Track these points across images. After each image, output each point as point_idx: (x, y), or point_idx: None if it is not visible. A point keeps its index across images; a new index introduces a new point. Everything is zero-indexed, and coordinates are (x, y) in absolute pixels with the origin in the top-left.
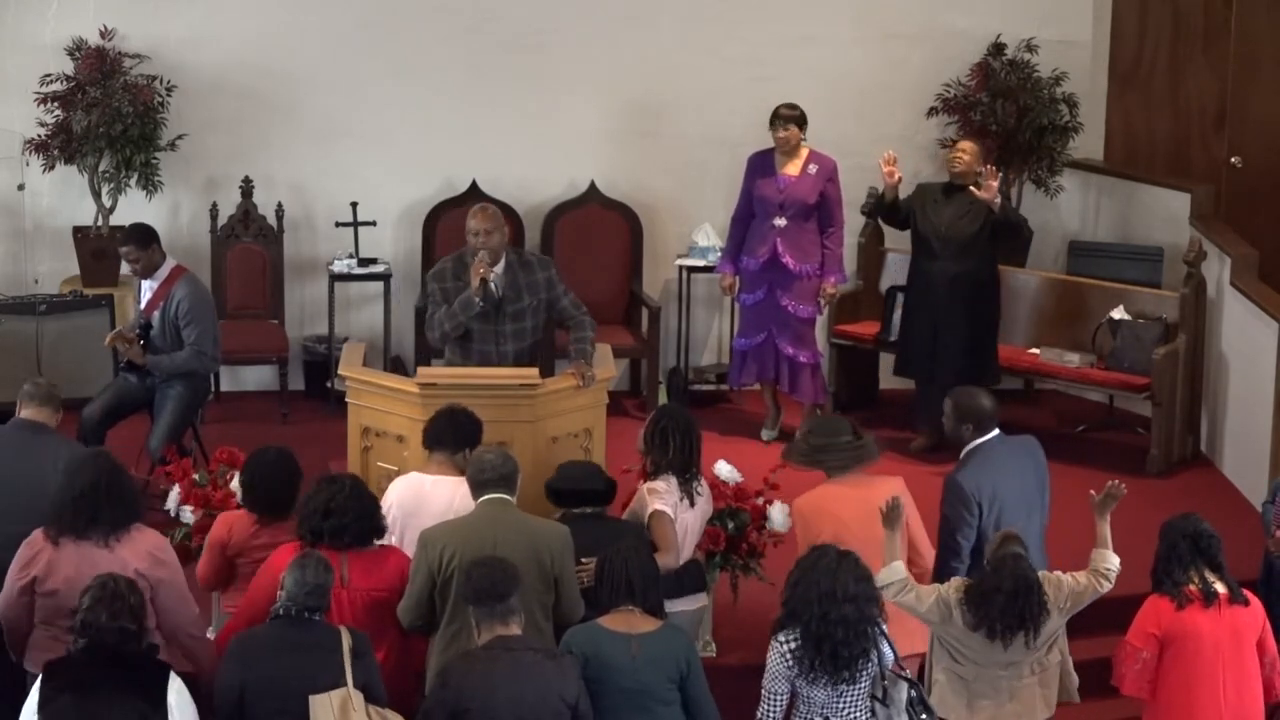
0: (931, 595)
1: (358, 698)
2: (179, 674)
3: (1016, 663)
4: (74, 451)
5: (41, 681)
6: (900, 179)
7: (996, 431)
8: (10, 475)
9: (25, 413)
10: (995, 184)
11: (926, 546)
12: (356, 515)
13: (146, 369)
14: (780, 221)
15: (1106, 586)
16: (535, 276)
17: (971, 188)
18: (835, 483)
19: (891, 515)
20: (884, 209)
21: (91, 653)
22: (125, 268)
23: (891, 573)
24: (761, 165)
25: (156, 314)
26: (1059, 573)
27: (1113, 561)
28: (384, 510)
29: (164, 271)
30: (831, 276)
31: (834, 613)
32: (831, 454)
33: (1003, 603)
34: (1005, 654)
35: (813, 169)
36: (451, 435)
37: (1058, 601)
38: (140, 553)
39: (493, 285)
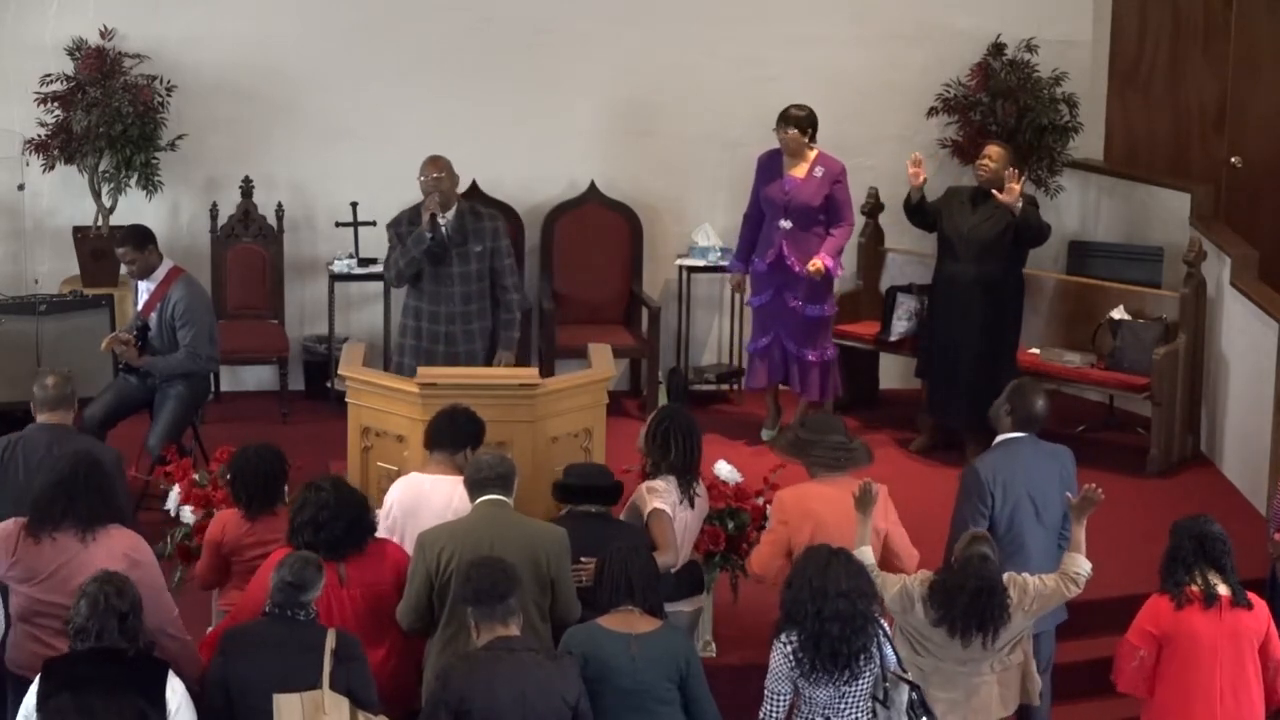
0: (896, 585)
1: (336, 701)
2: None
3: (976, 660)
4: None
5: (40, 679)
6: (925, 180)
7: (1031, 434)
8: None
9: (41, 417)
10: (1017, 188)
11: (907, 551)
12: (347, 525)
13: (143, 370)
14: (785, 224)
15: (1075, 590)
16: (483, 224)
17: (994, 191)
18: (821, 482)
19: (864, 499)
20: (910, 210)
21: (89, 651)
22: (124, 268)
23: (859, 556)
24: (769, 166)
25: (154, 315)
26: (1025, 575)
27: (1083, 566)
28: (385, 510)
29: (161, 273)
30: (825, 257)
31: (827, 609)
32: (815, 450)
33: (965, 602)
34: (964, 651)
35: (819, 172)
36: (450, 435)
37: (1022, 604)
38: (116, 553)
39: (442, 226)
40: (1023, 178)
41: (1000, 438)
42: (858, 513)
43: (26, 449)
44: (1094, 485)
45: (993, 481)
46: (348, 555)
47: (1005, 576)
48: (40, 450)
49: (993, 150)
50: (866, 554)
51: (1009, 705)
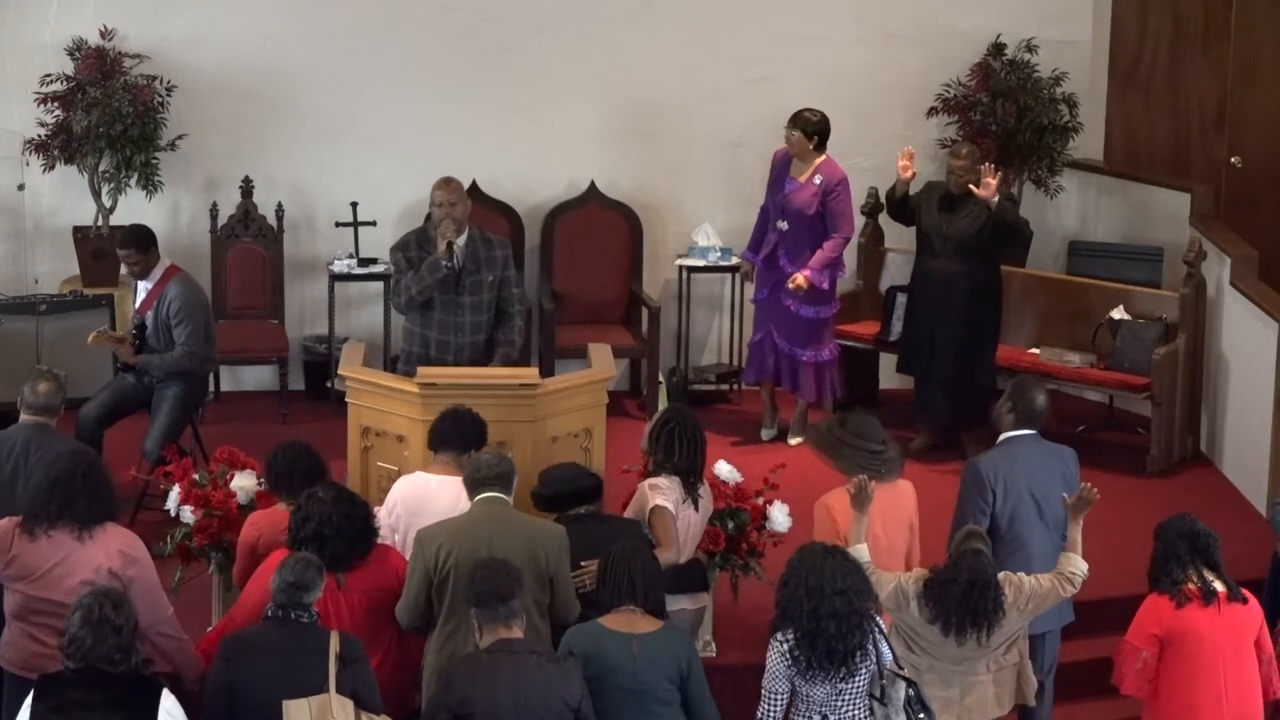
0: (890, 583)
1: (342, 704)
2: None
3: (971, 659)
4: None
5: (33, 700)
6: (914, 175)
7: (1034, 431)
8: (18, 475)
9: (24, 416)
10: (994, 182)
11: (915, 559)
12: (350, 539)
13: (139, 369)
14: (782, 225)
15: (1071, 591)
16: (494, 253)
17: (971, 187)
18: None
19: (859, 498)
20: (893, 205)
21: (81, 671)
22: (125, 268)
23: (855, 555)
24: (780, 165)
25: (150, 314)
26: (1021, 574)
27: (1079, 566)
28: (387, 508)
29: (157, 272)
30: (806, 270)
31: (823, 607)
32: (852, 454)
33: (958, 595)
34: (960, 649)
35: (817, 179)
36: (457, 436)
37: (1017, 603)
38: (112, 550)
39: (456, 253)
40: (999, 173)
41: (1003, 436)
42: (853, 510)
43: (3, 447)
44: (1089, 485)
45: (994, 478)
46: (350, 567)
47: (1001, 575)
48: (18, 449)
49: (957, 164)
50: (862, 552)
51: (1005, 705)
